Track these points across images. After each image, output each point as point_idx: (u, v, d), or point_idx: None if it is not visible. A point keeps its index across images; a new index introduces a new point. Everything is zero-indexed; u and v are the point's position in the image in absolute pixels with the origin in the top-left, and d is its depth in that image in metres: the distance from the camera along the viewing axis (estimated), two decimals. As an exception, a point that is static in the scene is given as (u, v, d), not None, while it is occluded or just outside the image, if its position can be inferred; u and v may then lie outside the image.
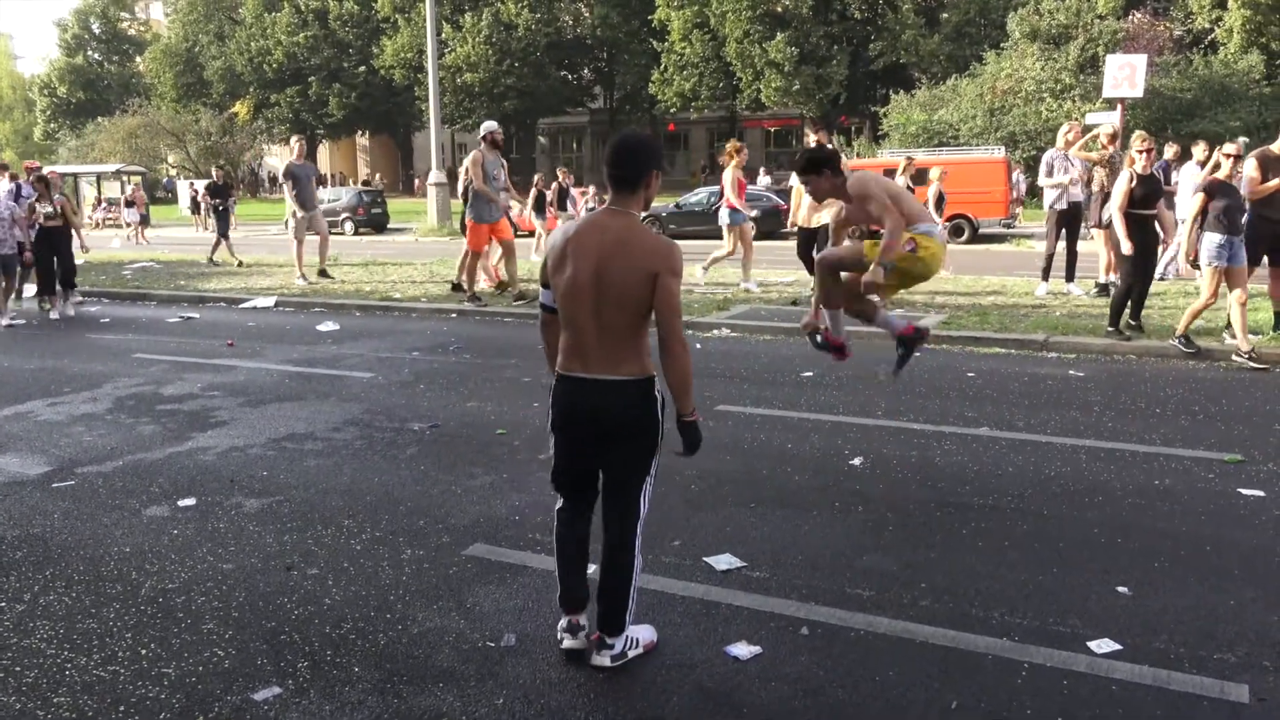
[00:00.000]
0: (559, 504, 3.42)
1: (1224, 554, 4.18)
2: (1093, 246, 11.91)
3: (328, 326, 10.53)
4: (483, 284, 12.37)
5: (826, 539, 4.42)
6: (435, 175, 25.58)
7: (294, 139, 14.65)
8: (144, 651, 3.50)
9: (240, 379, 8.10)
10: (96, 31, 64.27)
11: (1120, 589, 3.86)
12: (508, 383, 7.71)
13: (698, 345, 8.98)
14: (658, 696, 3.14)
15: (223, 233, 17.76)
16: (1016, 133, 28.24)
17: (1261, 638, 3.45)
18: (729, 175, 11.96)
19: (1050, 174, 11.15)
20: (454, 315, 11.39)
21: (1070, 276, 11.39)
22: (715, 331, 9.95)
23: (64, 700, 3.19)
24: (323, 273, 14.25)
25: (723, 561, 4.17)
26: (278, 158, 62.06)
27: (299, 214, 13.77)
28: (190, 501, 5.09)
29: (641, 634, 3.40)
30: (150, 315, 11.98)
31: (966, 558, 4.20)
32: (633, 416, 3.16)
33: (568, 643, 3.37)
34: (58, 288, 12.13)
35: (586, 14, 48.13)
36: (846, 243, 5.34)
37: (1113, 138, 11.39)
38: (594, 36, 47.80)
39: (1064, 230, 11.34)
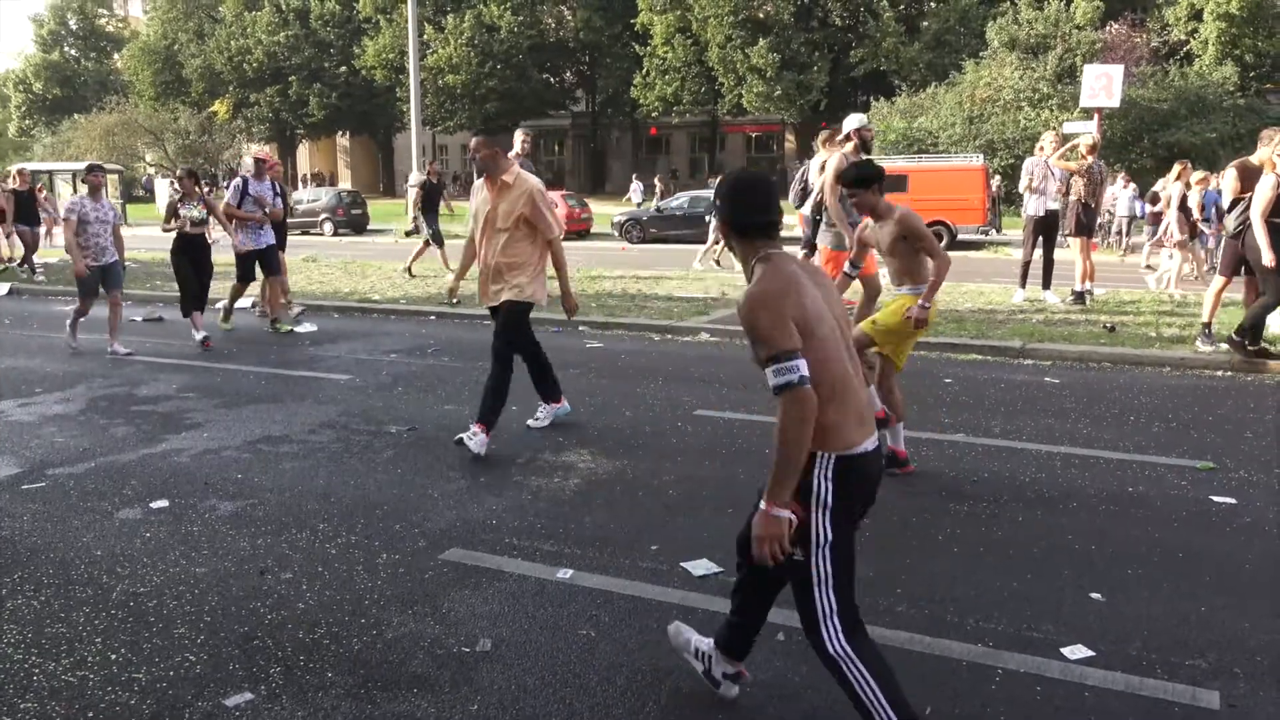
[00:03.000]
0: (850, 645, 2.67)
1: (1196, 561, 4.22)
2: (1068, 255, 12.02)
3: (305, 328, 10.46)
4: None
5: (803, 544, 4.42)
6: (416, 177, 25.48)
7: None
8: (114, 656, 3.46)
9: (216, 380, 8.03)
10: (73, 27, 63.59)
11: (1094, 595, 3.88)
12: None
13: (678, 349, 8.98)
14: (634, 701, 3.13)
15: (435, 240, 15.54)
16: (995, 141, 28.48)
17: (1233, 644, 3.48)
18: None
19: (1030, 182, 11.24)
20: (432, 318, 11.34)
21: (1047, 284, 11.49)
22: (695, 336, 9.96)
23: (31, 706, 3.14)
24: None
25: (700, 567, 4.17)
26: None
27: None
28: (163, 504, 5.04)
29: None
30: (125, 315, 11.84)
31: (942, 564, 4.21)
32: None
33: None
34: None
35: (569, 17, 48.11)
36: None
37: (1092, 148, 11.50)
38: (576, 40, 47.79)
39: (1040, 238, 11.45)
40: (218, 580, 4.10)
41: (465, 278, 6.52)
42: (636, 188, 39.28)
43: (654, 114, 44.09)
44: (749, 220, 2.67)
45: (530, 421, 6.39)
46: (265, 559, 4.32)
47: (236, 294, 10.75)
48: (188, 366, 8.56)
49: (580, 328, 10.45)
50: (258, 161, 10.57)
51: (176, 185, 10.55)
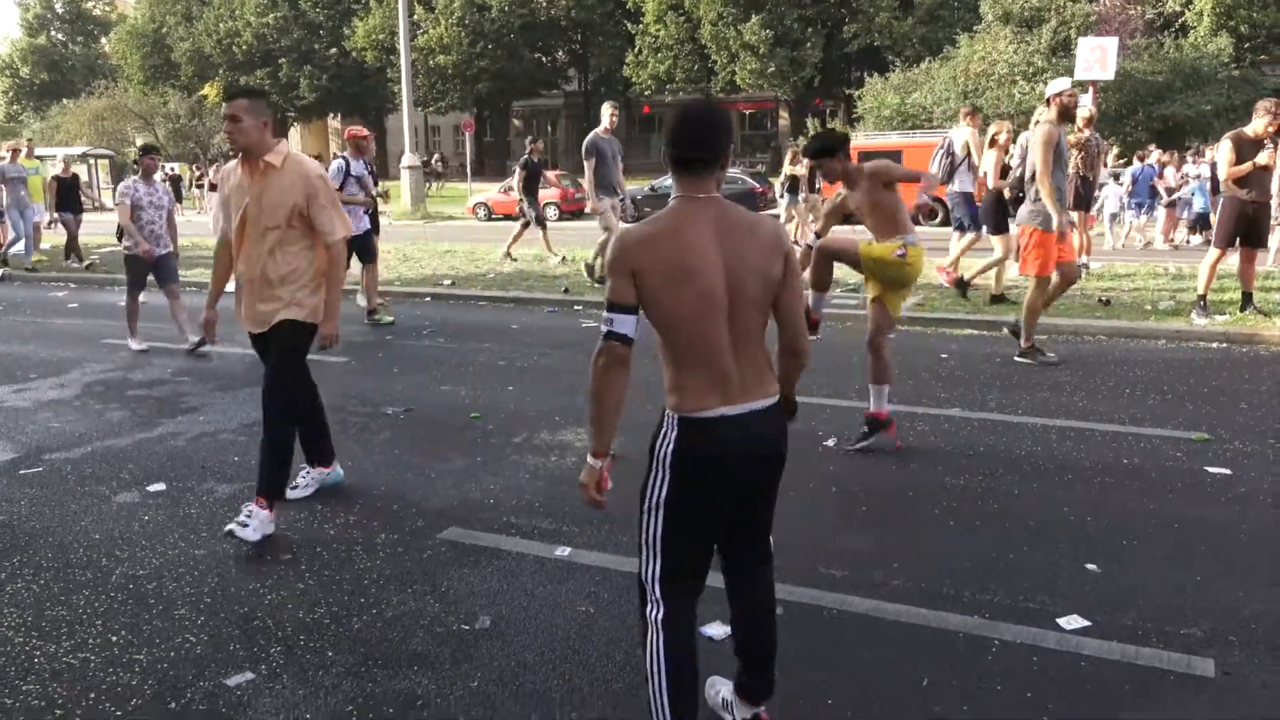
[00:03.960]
0: (662, 612, 2.55)
1: (1191, 531, 4.24)
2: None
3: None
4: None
5: (800, 520, 4.44)
6: (408, 158, 25.38)
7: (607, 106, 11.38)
8: (115, 638, 3.47)
9: (211, 364, 8.02)
10: (60, 11, 63.01)
11: (1089, 566, 3.90)
12: (482, 366, 7.67)
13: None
14: (633, 677, 3.15)
15: (538, 221, 14.69)
16: (990, 115, 28.35)
17: (1227, 613, 3.50)
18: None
19: (1024, 157, 11.20)
20: (428, 299, 11.31)
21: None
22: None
23: (32, 688, 3.15)
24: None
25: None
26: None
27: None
28: (161, 487, 5.04)
29: None
30: (119, 301, 11.81)
31: (938, 537, 4.23)
32: (785, 444, 2.61)
33: None
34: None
35: (560, -5, 47.80)
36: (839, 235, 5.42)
37: (1089, 121, 11.45)
38: (568, 18, 47.41)
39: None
40: (217, 562, 4.11)
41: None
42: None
43: (647, 92, 43.81)
44: (670, 151, 2.50)
45: (290, 492, 4.74)
46: (264, 541, 4.33)
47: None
48: (182, 351, 8.53)
49: (575, 307, 10.43)
50: (357, 140, 9.70)
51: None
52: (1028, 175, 7.52)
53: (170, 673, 3.24)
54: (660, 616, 2.53)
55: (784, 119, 45.07)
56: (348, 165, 9.35)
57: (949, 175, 10.51)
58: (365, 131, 9.96)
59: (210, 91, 53.17)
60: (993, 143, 10.04)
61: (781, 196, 16.62)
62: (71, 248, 15.26)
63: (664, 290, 2.42)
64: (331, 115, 57.37)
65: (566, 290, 11.23)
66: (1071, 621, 3.45)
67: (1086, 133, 11.22)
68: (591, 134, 11.06)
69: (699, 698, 2.61)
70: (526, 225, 14.58)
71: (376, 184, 10.08)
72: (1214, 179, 12.03)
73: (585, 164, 10.92)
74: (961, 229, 10.72)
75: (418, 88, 40.44)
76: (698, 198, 2.47)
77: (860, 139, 24.67)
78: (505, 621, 3.54)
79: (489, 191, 27.92)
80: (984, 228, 10.28)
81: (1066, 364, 7.42)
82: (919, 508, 4.58)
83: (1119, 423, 5.85)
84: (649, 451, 2.54)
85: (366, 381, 7.31)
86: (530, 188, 14.63)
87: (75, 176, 15.72)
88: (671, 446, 2.48)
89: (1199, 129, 27.05)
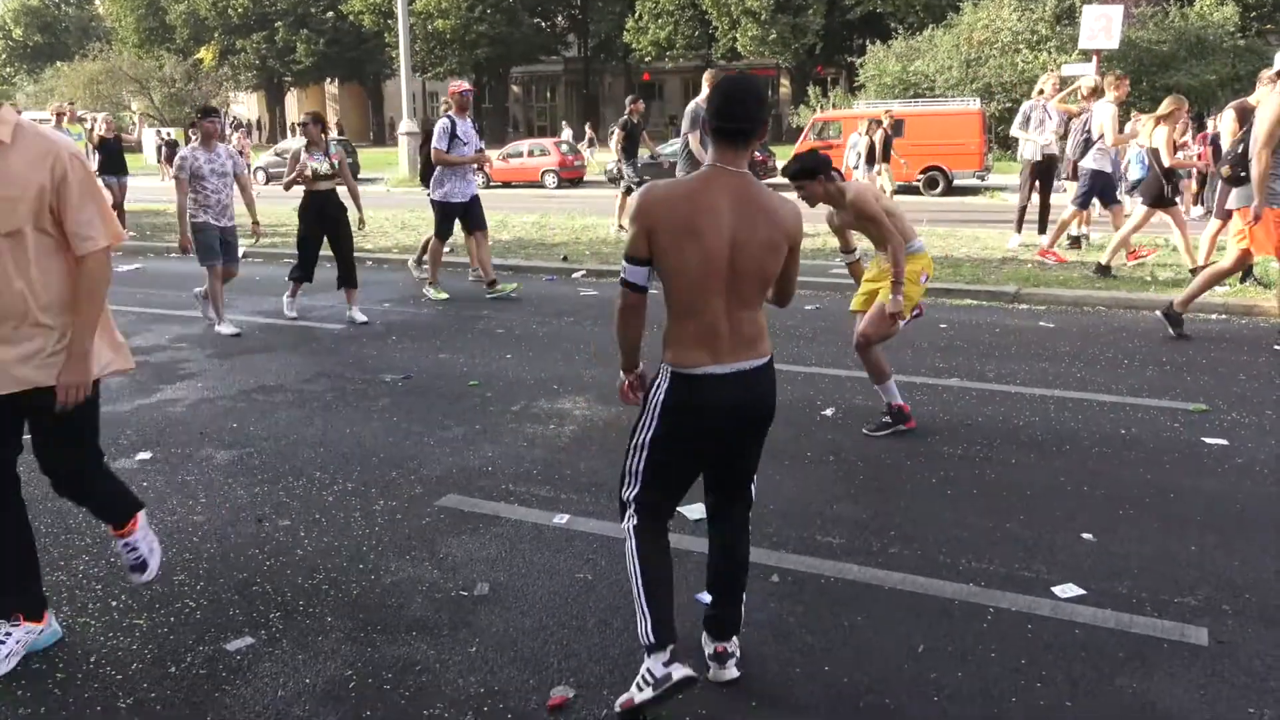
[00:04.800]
0: (635, 522, 2.83)
1: (1187, 501, 4.26)
2: (1065, 199, 11.94)
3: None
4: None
5: (797, 488, 4.45)
6: (406, 124, 25.18)
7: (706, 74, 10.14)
8: (114, 604, 3.49)
9: (208, 331, 8.00)
10: (53, -28, 62.32)
11: (1085, 535, 3.92)
12: (480, 334, 7.66)
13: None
14: (630, 643, 3.16)
15: (638, 184, 13.09)
16: (992, 84, 28.14)
17: (1221, 582, 3.52)
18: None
19: (1026, 125, 11.13)
20: (425, 265, 11.26)
21: (1043, 228, 11.43)
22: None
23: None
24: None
25: (695, 511, 4.17)
26: (244, 105, 60.83)
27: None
28: (159, 454, 5.04)
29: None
30: (120, 267, 11.76)
31: (935, 506, 4.25)
32: (772, 402, 2.82)
33: (678, 674, 2.66)
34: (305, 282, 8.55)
35: (560, -41, 47.24)
36: (868, 304, 5.24)
37: (1092, 91, 11.36)
38: (568, -18, 46.98)
39: (1038, 182, 11.37)
40: (215, 528, 4.12)
41: None
42: (567, 134, 35.90)
43: (647, 59, 43.49)
44: (712, 122, 2.68)
45: None
46: (262, 507, 4.34)
47: (438, 254, 9.40)
48: (178, 317, 8.52)
49: (574, 275, 10.40)
50: (461, 95, 8.95)
51: (301, 132, 8.41)
52: (1253, 150, 6.86)
53: (170, 637, 3.25)
54: (634, 526, 2.83)
55: (785, 87, 44.73)
56: (453, 125, 8.81)
57: (1082, 151, 10.30)
58: (467, 85, 9.37)
59: (206, 55, 52.71)
60: (1165, 119, 9.16)
61: (855, 168, 16.64)
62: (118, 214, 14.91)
63: (671, 246, 2.63)
64: (329, 80, 56.92)
65: (565, 258, 11.20)
66: (1067, 590, 3.47)
67: (1089, 103, 11.14)
68: (693, 103, 10.34)
69: (673, 598, 2.80)
70: (629, 191, 13.59)
71: (482, 140, 9.43)
72: (1216, 149, 11.96)
73: (689, 136, 10.20)
74: (1095, 204, 10.57)
75: (416, 53, 40.06)
76: (728, 169, 2.66)
77: (861, 106, 24.49)
78: (503, 588, 3.55)
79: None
80: (1095, 203, 10.26)
81: (1065, 335, 7.41)
82: (916, 477, 4.59)
83: (1117, 393, 5.86)
84: (644, 396, 2.84)
85: (364, 349, 7.30)
86: (630, 150, 13.96)
87: (119, 137, 14.79)
88: (662, 397, 2.75)
89: (1203, 98, 26.82)
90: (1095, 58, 17.91)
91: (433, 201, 9.13)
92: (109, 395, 6.11)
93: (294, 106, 59.27)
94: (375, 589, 3.57)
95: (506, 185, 24.80)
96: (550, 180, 26.23)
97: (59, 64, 50.69)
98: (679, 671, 2.64)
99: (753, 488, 2.98)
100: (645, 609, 2.72)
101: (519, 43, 47.10)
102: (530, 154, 27.15)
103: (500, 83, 53.49)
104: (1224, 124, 8.66)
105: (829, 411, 5.56)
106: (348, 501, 4.39)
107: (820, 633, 3.23)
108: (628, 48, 43.60)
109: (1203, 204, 15.46)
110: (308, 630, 3.28)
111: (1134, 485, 4.44)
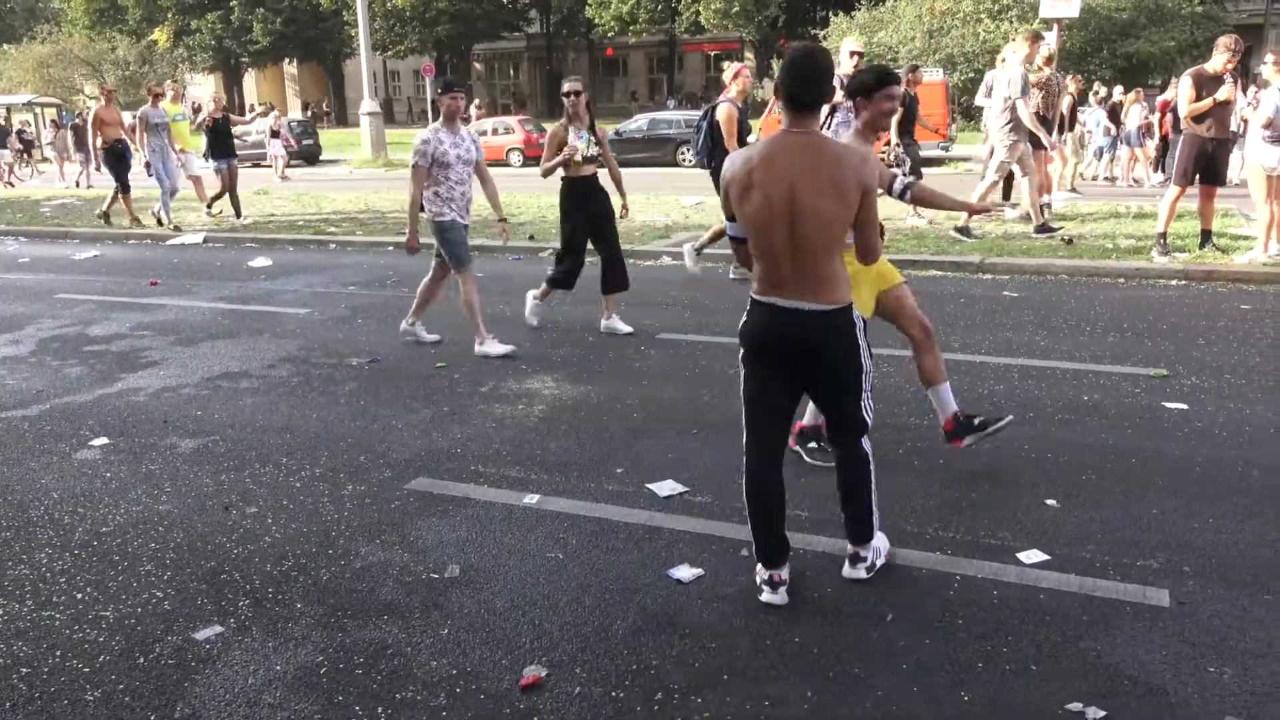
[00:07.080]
0: (748, 448, 3.28)
1: (1148, 465, 4.33)
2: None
3: (260, 262, 10.26)
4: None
5: (767, 462, 4.47)
6: (368, 104, 24.86)
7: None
8: (80, 596, 3.44)
9: (170, 317, 7.89)
10: (-3, -49, 60.57)
11: (1049, 502, 3.98)
12: (446, 316, 7.61)
13: (639, 273, 8.93)
14: (602, 620, 3.18)
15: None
16: (955, 55, 28.22)
17: (1182, 545, 3.59)
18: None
19: (990, 94, 11.14)
20: (390, 249, 11.17)
21: (1006, 196, 11.51)
22: (657, 260, 9.90)
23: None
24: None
25: (665, 488, 4.21)
26: (201, 87, 59.63)
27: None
28: (122, 443, 4.98)
29: (883, 544, 3.51)
30: (71, 254, 11.56)
31: (902, 476, 4.29)
32: (826, 341, 3.10)
33: (768, 597, 3.26)
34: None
35: (520, -67, 46.66)
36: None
37: (1049, 59, 11.39)
38: (528, -43, 46.44)
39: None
40: (182, 517, 4.08)
41: None
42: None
43: (610, 34, 43.16)
44: (783, 91, 2.99)
45: None
46: (229, 494, 4.30)
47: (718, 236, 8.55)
48: (139, 305, 8.38)
49: (541, 254, 10.34)
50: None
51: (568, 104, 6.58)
52: None
53: (138, 628, 3.22)
54: (747, 454, 3.29)
55: (749, 60, 44.59)
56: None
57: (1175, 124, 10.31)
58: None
59: (160, 36, 51.60)
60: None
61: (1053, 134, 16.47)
62: (217, 199, 13.70)
63: (740, 198, 3.04)
64: (287, 61, 55.95)
65: (531, 237, 11.13)
66: (1031, 556, 3.52)
67: (1047, 71, 11.17)
68: (1017, 70, 9.88)
69: (778, 518, 3.29)
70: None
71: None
72: (1175, 116, 12.09)
73: (1019, 103, 9.74)
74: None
75: (375, 31, 39.49)
76: (794, 131, 3.00)
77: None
78: (475, 570, 3.55)
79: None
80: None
81: (1028, 303, 7.48)
82: (882, 447, 4.60)
83: (1079, 360, 5.93)
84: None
85: (330, 333, 7.23)
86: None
87: (227, 118, 13.92)
88: (744, 320, 3.21)
89: (1163, 65, 27.09)
90: (1056, 26, 17.97)
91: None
92: (69, 386, 6.01)
93: (252, 88, 58.26)
94: (345, 574, 3.55)
95: (471, 164, 24.60)
96: (515, 159, 26.00)
97: (5, 47, 49.36)
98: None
99: (861, 413, 3.27)
100: (751, 520, 3.31)
101: (480, 19, 46.53)
102: (494, 132, 26.88)
103: (462, 60, 52.90)
104: (1181, 91, 8.73)
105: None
106: (316, 487, 4.36)
107: (789, 604, 3.26)
108: (590, 23, 43.23)
109: (1163, 170, 15.65)
110: (278, 617, 3.26)
111: (1096, 451, 4.51)
